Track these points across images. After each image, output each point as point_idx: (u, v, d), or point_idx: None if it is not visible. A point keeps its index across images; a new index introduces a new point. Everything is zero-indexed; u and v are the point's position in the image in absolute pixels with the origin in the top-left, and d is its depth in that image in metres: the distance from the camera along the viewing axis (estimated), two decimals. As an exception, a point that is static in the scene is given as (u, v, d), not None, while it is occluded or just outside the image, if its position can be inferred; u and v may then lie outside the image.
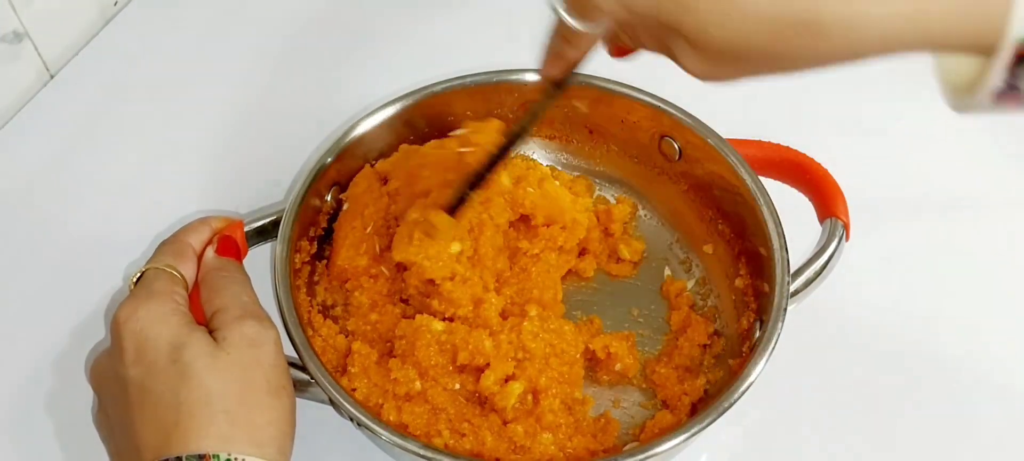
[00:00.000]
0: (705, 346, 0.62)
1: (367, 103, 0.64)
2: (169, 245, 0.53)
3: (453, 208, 0.57)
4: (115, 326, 0.48)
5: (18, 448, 0.60)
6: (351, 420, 0.52)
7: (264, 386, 0.46)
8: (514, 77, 0.66)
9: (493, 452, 0.55)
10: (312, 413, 0.57)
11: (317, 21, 0.86)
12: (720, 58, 0.35)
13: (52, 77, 0.81)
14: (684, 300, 0.64)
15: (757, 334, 0.56)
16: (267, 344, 0.48)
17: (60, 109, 0.79)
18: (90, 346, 0.63)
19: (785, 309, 0.54)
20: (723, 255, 0.64)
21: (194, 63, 0.83)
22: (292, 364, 0.52)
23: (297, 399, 0.51)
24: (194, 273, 0.53)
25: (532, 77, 0.65)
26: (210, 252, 0.54)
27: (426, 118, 0.66)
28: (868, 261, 0.67)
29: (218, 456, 0.43)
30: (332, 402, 0.52)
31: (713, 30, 0.33)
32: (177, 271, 0.51)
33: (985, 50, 0.29)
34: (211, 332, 0.48)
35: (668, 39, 0.37)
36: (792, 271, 0.56)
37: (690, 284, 0.65)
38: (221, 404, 0.44)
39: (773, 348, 0.53)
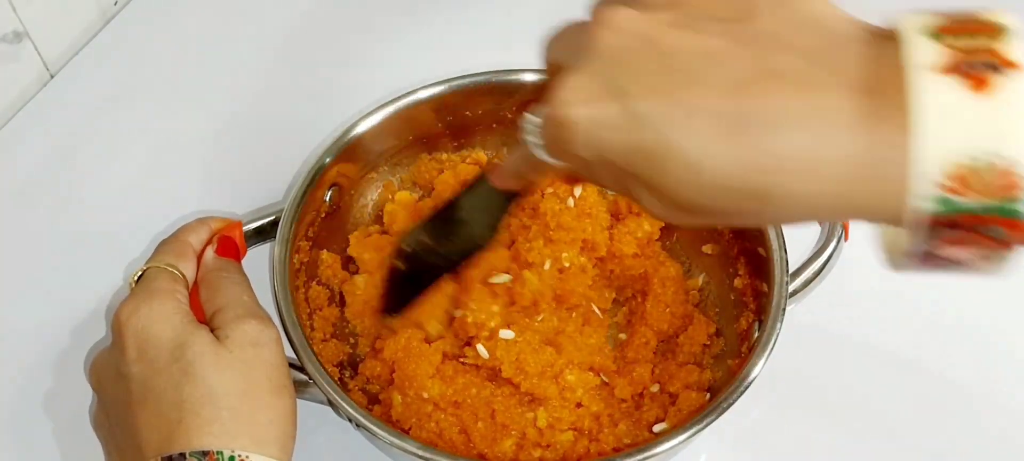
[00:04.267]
0: (705, 346, 0.61)
1: (367, 103, 0.64)
2: (169, 244, 0.53)
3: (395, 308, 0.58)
4: (116, 325, 0.48)
5: (17, 448, 0.60)
6: (350, 421, 0.52)
7: (266, 385, 0.47)
8: (514, 77, 0.66)
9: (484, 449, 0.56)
10: (311, 414, 0.57)
11: (317, 21, 0.86)
12: (679, 210, 0.36)
13: (52, 77, 0.81)
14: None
15: (756, 334, 0.56)
16: (269, 343, 0.48)
17: (60, 109, 0.79)
18: (90, 345, 0.63)
19: (784, 309, 0.54)
20: (722, 255, 0.63)
21: (194, 63, 0.83)
22: (291, 365, 0.52)
23: (297, 399, 0.51)
24: (194, 272, 0.53)
25: (532, 77, 0.66)
26: (210, 252, 0.54)
27: (426, 118, 0.66)
28: (868, 261, 0.67)
29: (222, 453, 0.43)
30: (331, 403, 0.52)
31: (681, 189, 0.34)
32: (178, 270, 0.51)
33: (899, 222, 0.32)
34: (212, 331, 0.48)
35: (632, 186, 0.38)
36: (791, 271, 0.56)
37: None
38: (224, 402, 0.45)
39: (772, 348, 0.53)
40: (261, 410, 0.46)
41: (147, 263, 0.52)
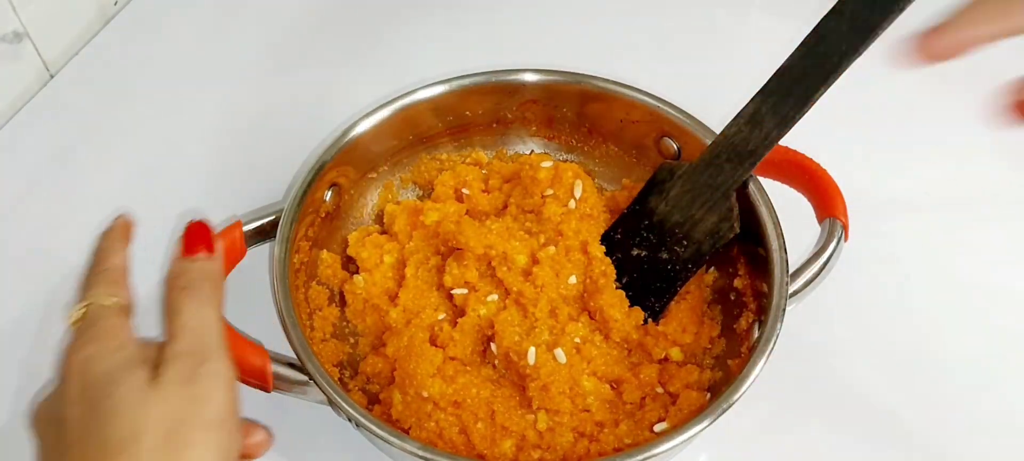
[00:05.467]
0: (706, 348, 0.61)
1: (367, 103, 0.64)
2: (99, 275, 0.49)
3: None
4: (64, 368, 0.45)
5: (16, 453, 0.60)
6: (350, 420, 0.52)
7: (198, 423, 0.44)
8: (514, 77, 0.66)
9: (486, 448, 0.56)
10: (311, 414, 0.57)
11: (318, 21, 0.86)
12: None
13: (52, 77, 0.81)
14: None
15: (756, 334, 0.56)
16: (205, 379, 0.45)
17: (60, 109, 0.79)
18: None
19: (784, 309, 0.54)
20: (723, 255, 0.63)
21: (194, 63, 0.83)
22: (291, 365, 0.52)
23: (296, 399, 0.51)
24: (131, 294, 0.49)
25: (532, 77, 0.66)
26: (174, 257, 0.50)
27: (426, 118, 0.66)
28: (867, 261, 0.67)
29: None
30: (330, 402, 0.52)
31: None
32: (118, 300, 0.48)
33: None
34: (156, 364, 0.45)
35: None
36: (791, 271, 0.56)
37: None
38: (148, 442, 0.42)
39: (772, 348, 0.53)
40: (188, 450, 0.43)
41: (85, 300, 0.48)
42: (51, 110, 0.79)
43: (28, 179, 0.74)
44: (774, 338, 0.53)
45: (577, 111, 0.68)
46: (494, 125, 0.69)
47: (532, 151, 0.70)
